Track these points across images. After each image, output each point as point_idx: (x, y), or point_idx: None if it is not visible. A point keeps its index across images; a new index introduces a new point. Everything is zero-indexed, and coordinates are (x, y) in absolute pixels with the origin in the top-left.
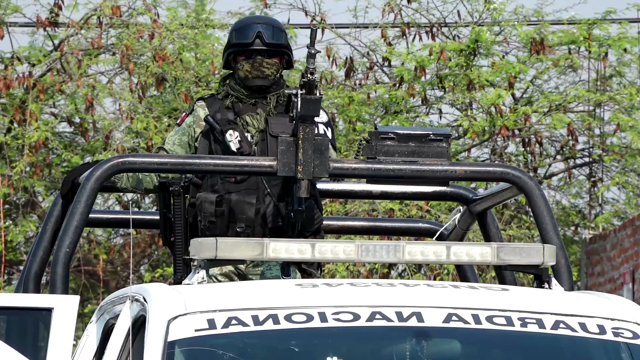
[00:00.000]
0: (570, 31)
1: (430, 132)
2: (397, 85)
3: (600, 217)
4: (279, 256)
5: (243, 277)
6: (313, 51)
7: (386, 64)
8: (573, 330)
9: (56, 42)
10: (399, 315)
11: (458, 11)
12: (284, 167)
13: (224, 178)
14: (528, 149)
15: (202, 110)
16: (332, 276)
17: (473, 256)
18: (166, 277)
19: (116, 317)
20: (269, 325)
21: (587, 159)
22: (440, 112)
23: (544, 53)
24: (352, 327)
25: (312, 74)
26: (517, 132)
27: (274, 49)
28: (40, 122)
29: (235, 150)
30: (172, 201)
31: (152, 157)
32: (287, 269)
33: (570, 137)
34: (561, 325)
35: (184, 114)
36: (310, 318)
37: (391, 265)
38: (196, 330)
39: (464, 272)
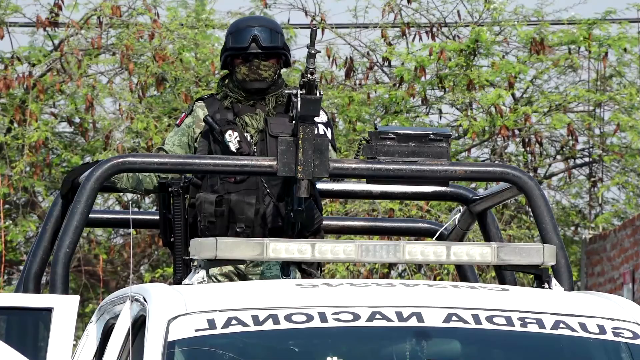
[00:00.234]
0: (570, 31)
1: (430, 132)
2: (397, 85)
3: (600, 217)
4: (279, 256)
5: (243, 277)
6: (313, 51)
7: (386, 64)
8: (573, 330)
9: (56, 42)
10: (399, 315)
11: (458, 11)
12: (284, 167)
13: (223, 178)
14: (528, 149)
15: (201, 111)
16: (332, 276)
17: (473, 256)
18: (166, 277)
19: (116, 317)
20: (269, 325)
21: (587, 159)
22: (440, 112)
23: (544, 53)
24: (352, 327)
25: (312, 74)
26: (517, 132)
27: (271, 52)
28: (40, 122)
29: (234, 150)
30: (171, 201)
31: (152, 157)
32: (287, 269)
33: (570, 137)
34: (561, 325)
35: (183, 114)
36: (310, 318)
37: (391, 265)
38: (196, 330)
39: (464, 272)
